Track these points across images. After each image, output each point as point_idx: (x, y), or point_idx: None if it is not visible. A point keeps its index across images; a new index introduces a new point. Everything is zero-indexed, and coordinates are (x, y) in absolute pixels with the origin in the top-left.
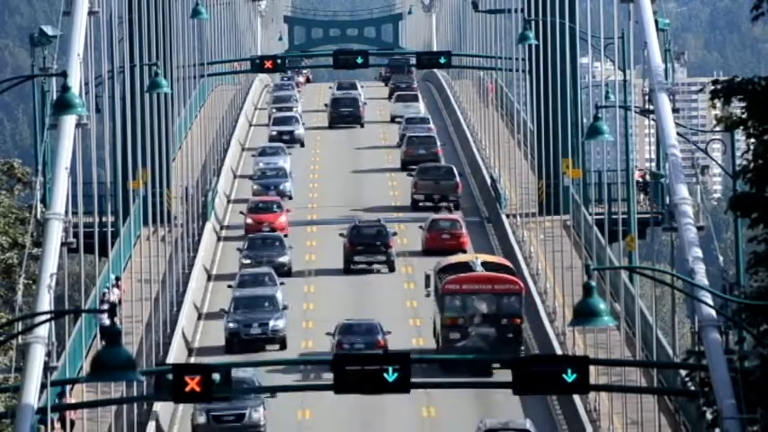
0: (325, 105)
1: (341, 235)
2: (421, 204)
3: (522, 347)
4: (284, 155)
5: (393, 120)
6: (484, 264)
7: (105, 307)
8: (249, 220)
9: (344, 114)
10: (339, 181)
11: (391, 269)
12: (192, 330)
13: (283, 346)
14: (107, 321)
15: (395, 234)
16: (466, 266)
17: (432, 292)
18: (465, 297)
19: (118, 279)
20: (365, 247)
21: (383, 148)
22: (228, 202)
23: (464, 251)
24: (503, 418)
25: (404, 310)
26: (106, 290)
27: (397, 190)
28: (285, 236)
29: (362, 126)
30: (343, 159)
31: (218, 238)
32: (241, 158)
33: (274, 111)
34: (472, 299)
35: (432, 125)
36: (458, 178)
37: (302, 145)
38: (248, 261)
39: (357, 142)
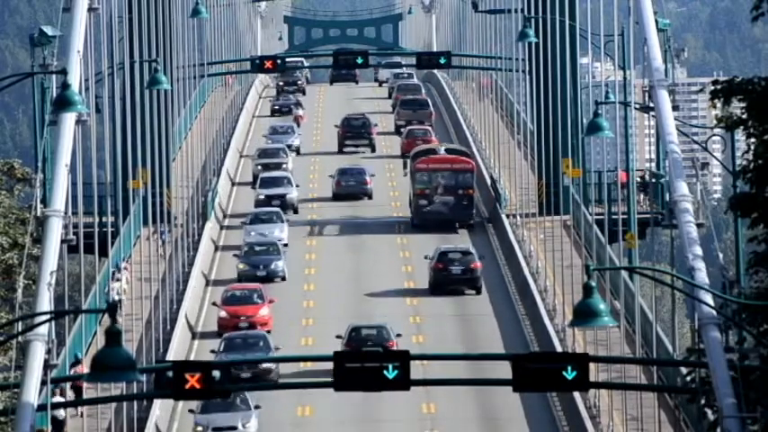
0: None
1: (335, 126)
2: (402, 130)
3: (474, 211)
4: (280, 223)
5: (380, 84)
6: (447, 150)
7: (110, 299)
8: (223, 314)
9: (343, 73)
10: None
11: (373, 150)
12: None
13: None
14: (114, 296)
15: (376, 125)
16: (433, 152)
17: (408, 173)
18: (431, 173)
19: (124, 260)
20: (353, 133)
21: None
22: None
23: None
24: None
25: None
26: (115, 270)
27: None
28: (268, 332)
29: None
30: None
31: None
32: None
33: (260, 169)
34: (436, 174)
35: (416, 79)
36: (431, 108)
37: (295, 211)
38: None
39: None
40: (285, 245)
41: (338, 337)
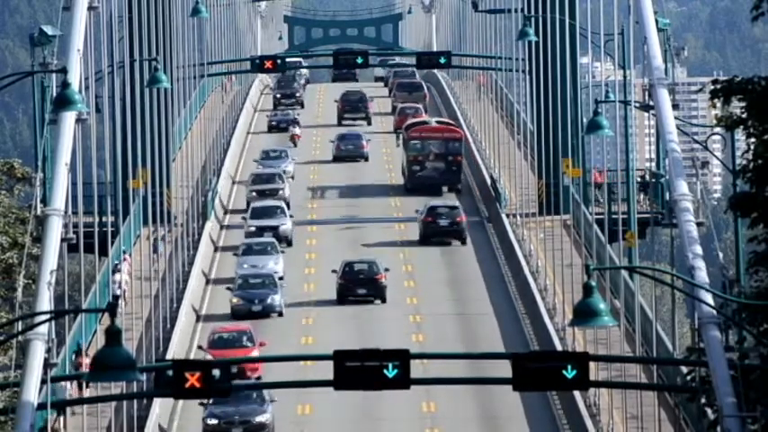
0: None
1: (335, 101)
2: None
3: (462, 175)
4: (275, 254)
5: (376, 80)
6: (437, 122)
7: (111, 297)
8: (209, 359)
9: (344, 72)
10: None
11: (369, 123)
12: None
13: None
14: (117, 291)
15: (372, 100)
16: (425, 123)
17: (401, 144)
18: (423, 141)
19: (124, 252)
20: (351, 107)
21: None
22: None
23: None
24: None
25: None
26: (117, 262)
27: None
28: (258, 378)
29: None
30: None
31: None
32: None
33: (254, 195)
34: (428, 142)
35: (410, 69)
36: (426, 91)
37: (290, 244)
38: (215, 422)
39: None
40: (281, 278)
41: (333, 271)
